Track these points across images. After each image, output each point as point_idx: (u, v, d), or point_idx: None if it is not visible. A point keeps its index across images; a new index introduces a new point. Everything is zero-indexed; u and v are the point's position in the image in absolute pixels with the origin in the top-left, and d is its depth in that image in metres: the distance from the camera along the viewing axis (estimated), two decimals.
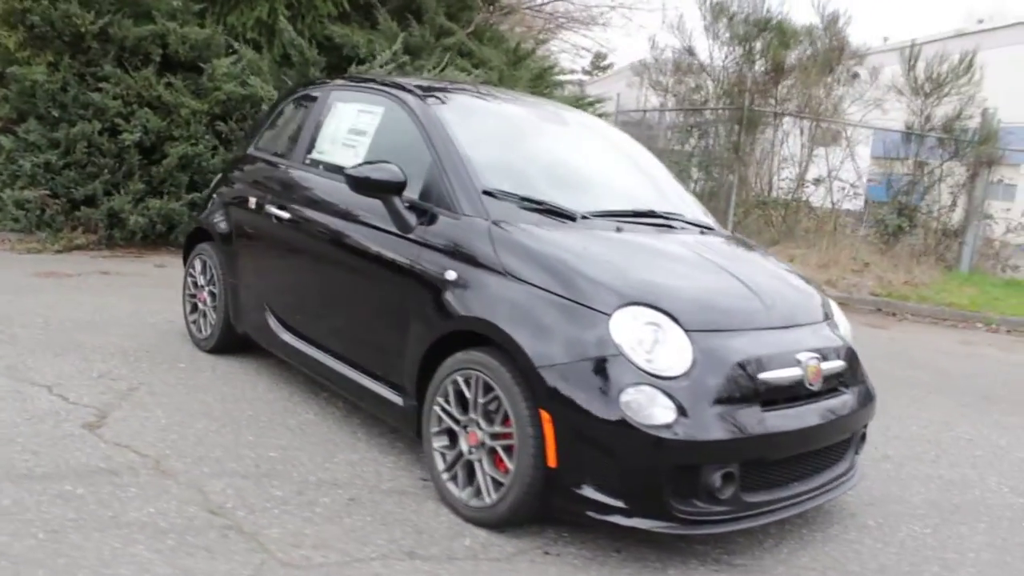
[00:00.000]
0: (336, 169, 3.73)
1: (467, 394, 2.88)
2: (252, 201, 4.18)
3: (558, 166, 3.64)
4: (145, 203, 7.55)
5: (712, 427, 2.57)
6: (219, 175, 4.82)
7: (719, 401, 2.61)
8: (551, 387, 2.61)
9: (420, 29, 9.39)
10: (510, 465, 2.73)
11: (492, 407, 2.81)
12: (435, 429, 3.02)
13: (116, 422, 3.48)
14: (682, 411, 2.55)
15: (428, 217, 3.17)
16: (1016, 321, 8.55)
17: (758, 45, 11.67)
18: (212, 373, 4.24)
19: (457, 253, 3.02)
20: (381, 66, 8.55)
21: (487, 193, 3.11)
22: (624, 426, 2.53)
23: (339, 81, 4.18)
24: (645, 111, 14.88)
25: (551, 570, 2.63)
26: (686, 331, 2.67)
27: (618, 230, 3.18)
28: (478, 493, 2.84)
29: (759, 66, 11.62)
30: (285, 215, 3.88)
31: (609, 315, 2.65)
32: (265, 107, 7.81)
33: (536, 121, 3.93)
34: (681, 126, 13.51)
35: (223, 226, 4.39)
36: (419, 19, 9.49)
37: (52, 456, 3.07)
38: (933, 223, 10.48)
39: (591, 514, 2.62)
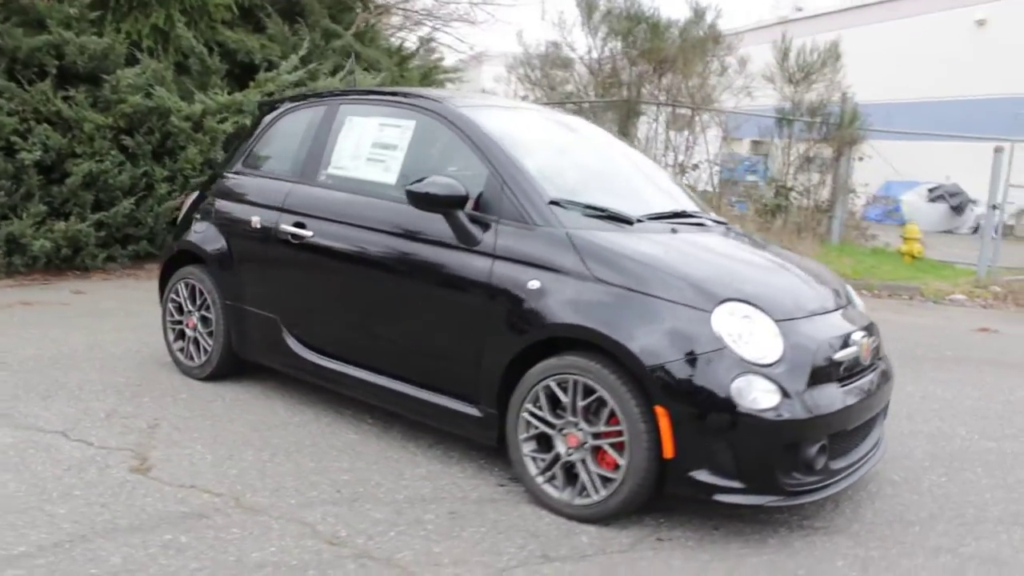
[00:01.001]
0: (368, 184, 3.69)
1: (563, 398, 2.98)
2: (255, 221, 4.05)
3: (590, 171, 3.78)
4: (48, 226, 7.01)
5: (810, 406, 2.82)
6: (194, 195, 4.61)
7: (810, 382, 2.86)
8: (665, 384, 2.77)
9: (310, 33, 9.19)
10: (620, 461, 2.86)
11: (592, 408, 2.93)
12: (524, 435, 3.10)
13: (162, 463, 3.32)
14: (784, 394, 2.78)
15: (495, 230, 3.22)
16: (894, 286, 9.50)
17: (631, 39, 12.22)
18: (223, 402, 4.08)
19: (537, 263, 3.10)
20: (288, 72, 8.32)
21: (553, 203, 3.21)
22: (737, 413, 2.73)
23: (347, 95, 4.10)
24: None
25: (675, 554, 2.80)
26: (775, 321, 2.90)
27: (673, 231, 3.37)
28: (582, 491, 2.96)
29: (635, 59, 12.18)
30: (307, 233, 3.79)
31: (710, 312, 2.84)
32: (174, 120, 7.44)
33: (555, 129, 4.05)
34: None
35: (217, 247, 4.21)
36: (305, 22, 9.29)
37: (124, 507, 2.91)
38: (806, 200, 11.43)
39: (704, 496, 2.81)
